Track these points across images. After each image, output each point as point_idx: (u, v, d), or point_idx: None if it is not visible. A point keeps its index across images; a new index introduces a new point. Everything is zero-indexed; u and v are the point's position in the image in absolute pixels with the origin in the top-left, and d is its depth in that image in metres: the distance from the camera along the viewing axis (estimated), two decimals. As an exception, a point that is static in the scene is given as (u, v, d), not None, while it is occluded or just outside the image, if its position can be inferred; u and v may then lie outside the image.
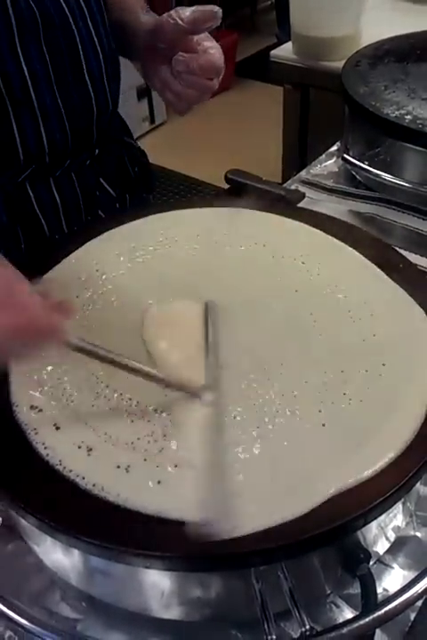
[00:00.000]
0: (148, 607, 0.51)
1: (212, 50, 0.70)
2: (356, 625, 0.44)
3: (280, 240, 0.69)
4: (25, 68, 0.69)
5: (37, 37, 0.69)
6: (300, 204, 0.83)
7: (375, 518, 0.46)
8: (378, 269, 0.64)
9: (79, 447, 0.48)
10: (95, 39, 0.76)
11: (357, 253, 0.67)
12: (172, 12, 0.70)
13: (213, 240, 0.69)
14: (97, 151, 0.82)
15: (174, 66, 0.71)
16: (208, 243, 0.69)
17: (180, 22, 0.68)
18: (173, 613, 0.50)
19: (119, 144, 0.89)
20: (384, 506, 0.45)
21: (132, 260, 0.67)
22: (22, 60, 0.69)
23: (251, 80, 3.50)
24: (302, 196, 0.89)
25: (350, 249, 0.67)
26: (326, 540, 0.44)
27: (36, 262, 0.67)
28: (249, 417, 0.50)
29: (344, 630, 0.44)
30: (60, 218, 0.79)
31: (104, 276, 0.65)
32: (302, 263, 0.66)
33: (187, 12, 0.68)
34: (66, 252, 0.67)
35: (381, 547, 0.55)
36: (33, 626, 0.45)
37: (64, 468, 0.47)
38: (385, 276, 0.63)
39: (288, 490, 0.45)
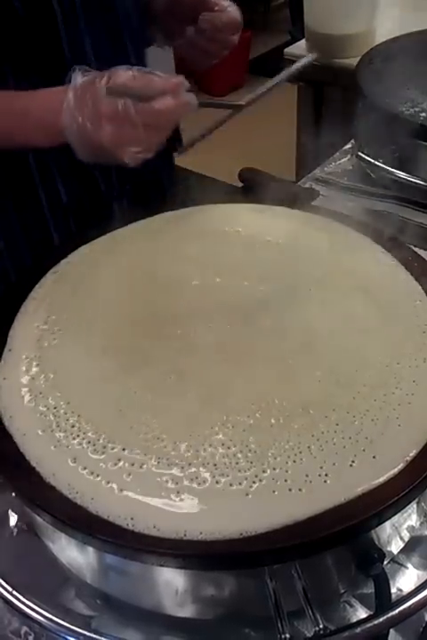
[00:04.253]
0: (162, 605, 0.51)
1: (230, 8, 0.81)
2: (370, 625, 0.44)
3: (296, 236, 0.69)
4: (89, 50, 0.78)
5: None
6: (314, 203, 0.83)
7: (389, 518, 0.46)
8: (399, 265, 0.65)
9: (96, 450, 0.48)
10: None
11: (377, 248, 0.67)
12: None
13: (226, 236, 0.70)
14: None
15: (200, 24, 0.81)
16: (222, 239, 0.70)
17: None
18: (187, 611, 0.51)
19: None
20: (398, 505, 0.45)
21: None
22: (86, 44, 0.78)
23: (264, 78, 3.48)
24: (317, 194, 0.89)
25: (372, 245, 0.67)
26: (340, 539, 0.44)
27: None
28: (263, 417, 0.50)
29: (358, 630, 0.44)
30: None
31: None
32: (319, 260, 0.66)
33: None
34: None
35: (395, 546, 0.54)
36: (49, 623, 0.45)
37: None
38: (405, 273, 0.63)
39: (301, 490, 0.45)
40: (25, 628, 0.52)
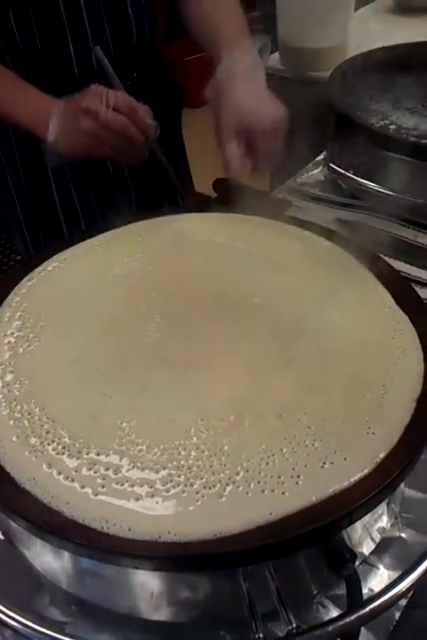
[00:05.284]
0: (137, 609, 0.51)
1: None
2: (341, 623, 0.45)
3: (269, 244, 0.71)
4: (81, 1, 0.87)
5: None
6: (287, 212, 0.84)
7: (360, 518, 0.47)
8: (369, 273, 0.66)
9: (71, 455, 0.48)
10: None
11: (347, 256, 0.68)
12: None
13: (201, 244, 0.71)
14: (136, 74, 0.97)
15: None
16: (197, 247, 0.71)
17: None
18: (162, 614, 0.51)
19: (155, 73, 1.03)
20: (369, 506, 0.46)
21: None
22: None
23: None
24: (290, 204, 0.91)
25: (343, 253, 0.69)
26: (312, 539, 0.45)
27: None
28: (236, 421, 0.50)
29: (330, 628, 0.45)
30: None
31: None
32: (291, 268, 0.67)
33: None
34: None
35: (366, 548, 0.55)
36: (24, 628, 0.45)
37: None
38: (375, 280, 0.65)
39: (274, 491, 0.46)
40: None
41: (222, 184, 0.89)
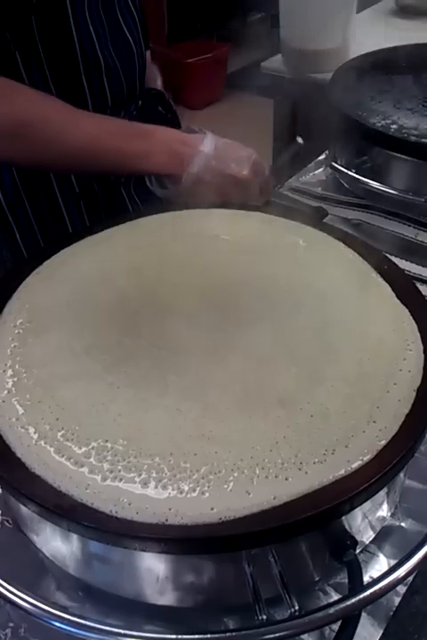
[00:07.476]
0: (143, 593, 0.52)
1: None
2: (343, 605, 0.46)
3: (271, 239, 0.72)
4: (92, 33, 0.83)
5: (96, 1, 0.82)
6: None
7: (361, 504, 0.48)
8: (371, 269, 0.67)
9: (80, 442, 0.50)
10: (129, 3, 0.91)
11: (349, 252, 0.69)
12: None
13: (210, 239, 0.73)
14: (140, 102, 0.97)
15: None
16: (206, 241, 0.72)
17: None
18: (168, 599, 0.52)
19: (154, 96, 1.02)
20: (369, 492, 0.47)
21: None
22: (90, 25, 0.83)
23: (241, 92, 3.54)
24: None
25: (345, 250, 0.70)
26: (314, 523, 0.46)
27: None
28: (241, 410, 0.51)
29: (331, 610, 0.46)
30: None
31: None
32: (292, 261, 0.69)
33: None
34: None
35: (366, 536, 0.57)
36: (34, 609, 0.46)
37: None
38: (377, 276, 0.66)
39: (278, 477, 0.47)
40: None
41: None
